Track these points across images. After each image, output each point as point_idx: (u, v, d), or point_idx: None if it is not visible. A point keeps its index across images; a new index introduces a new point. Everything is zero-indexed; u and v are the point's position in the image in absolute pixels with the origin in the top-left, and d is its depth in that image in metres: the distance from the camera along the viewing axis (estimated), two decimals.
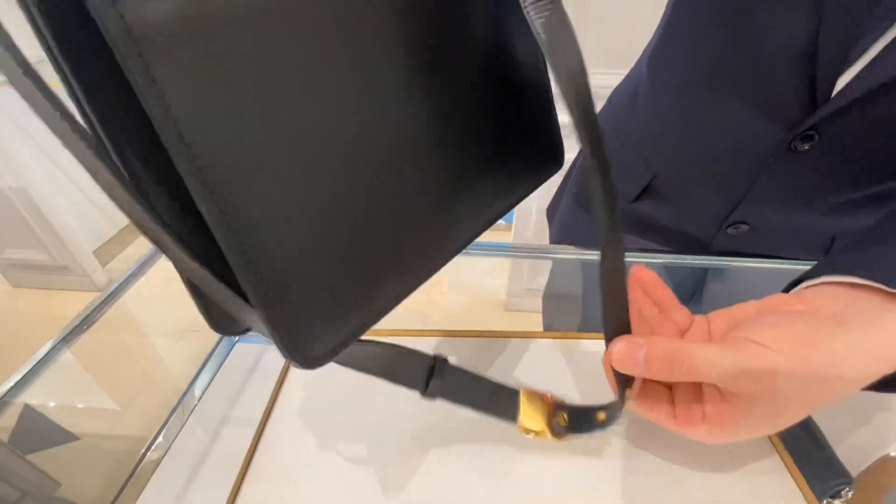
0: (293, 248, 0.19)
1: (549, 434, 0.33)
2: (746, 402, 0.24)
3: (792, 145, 0.35)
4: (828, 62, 0.30)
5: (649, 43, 0.48)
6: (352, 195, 0.21)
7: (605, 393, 0.43)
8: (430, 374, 0.31)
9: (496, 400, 0.34)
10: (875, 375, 0.23)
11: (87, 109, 0.17)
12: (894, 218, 0.29)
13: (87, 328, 0.40)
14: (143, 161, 0.18)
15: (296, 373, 0.46)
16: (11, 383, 0.36)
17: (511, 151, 0.29)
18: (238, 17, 0.16)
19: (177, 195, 0.19)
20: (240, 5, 0.16)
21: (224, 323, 0.24)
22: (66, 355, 0.40)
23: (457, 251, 0.28)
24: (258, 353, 0.52)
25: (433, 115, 0.23)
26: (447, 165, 0.25)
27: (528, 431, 0.33)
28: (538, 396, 0.34)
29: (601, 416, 0.35)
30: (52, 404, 0.39)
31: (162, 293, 0.50)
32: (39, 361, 0.37)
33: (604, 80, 0.44)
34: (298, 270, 0.20)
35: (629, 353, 0.25)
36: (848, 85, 0.30)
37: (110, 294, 0.44)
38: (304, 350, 0.21)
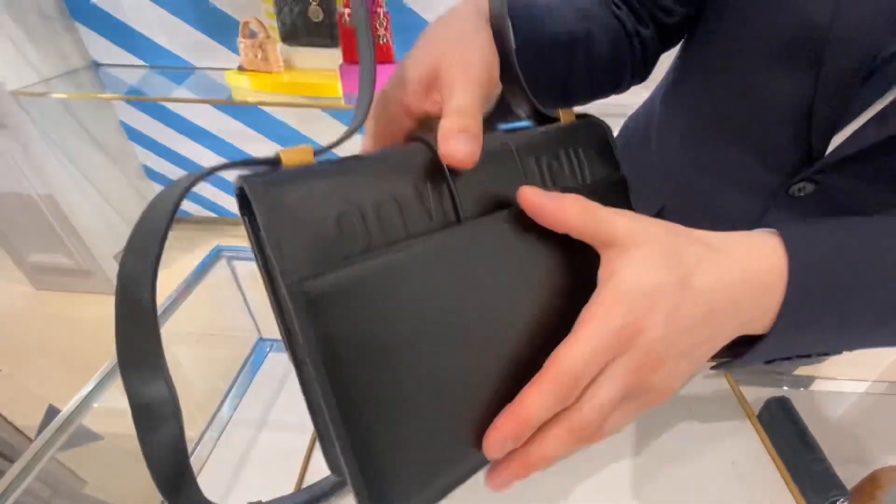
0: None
1: None
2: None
3: (790, 192, 0.38)
4: (822, 124, 0.33)
5: (664, 78, 0.51)
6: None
7: None
8: None
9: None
10: (724, 302, 0.22)
11: None
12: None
13: None
14: None
15: None
16: (74, 405, 0.40)
17: None
18: None
19: None
20: None
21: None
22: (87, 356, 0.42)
23: None
24: (290, 363, 0.55)
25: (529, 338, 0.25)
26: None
27: None
28: None
29: None
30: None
31: (180, 297, 0.53)
32: (98, 384, 0.41)
33: (615, 100, 0.46)
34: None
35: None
36: (840, 145, 0.33)
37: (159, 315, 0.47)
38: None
